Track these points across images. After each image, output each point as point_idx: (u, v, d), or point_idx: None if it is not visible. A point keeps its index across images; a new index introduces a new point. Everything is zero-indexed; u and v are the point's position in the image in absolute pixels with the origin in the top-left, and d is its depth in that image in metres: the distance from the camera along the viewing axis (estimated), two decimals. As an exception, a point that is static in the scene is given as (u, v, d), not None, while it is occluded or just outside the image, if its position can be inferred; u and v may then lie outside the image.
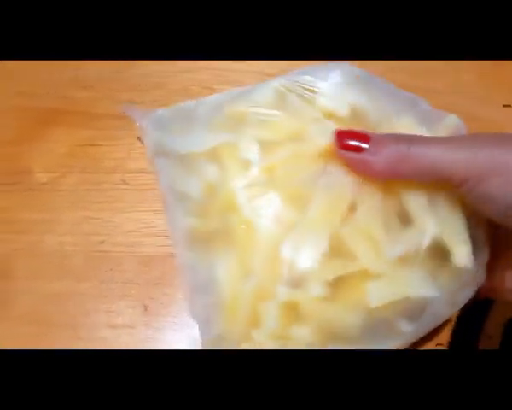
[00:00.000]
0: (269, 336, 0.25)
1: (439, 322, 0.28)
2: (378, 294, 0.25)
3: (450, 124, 0.27)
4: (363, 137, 0.24)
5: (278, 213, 0.26)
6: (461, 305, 0.27)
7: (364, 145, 0.24)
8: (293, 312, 0.25)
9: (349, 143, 0.25)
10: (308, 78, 0.28)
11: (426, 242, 0.25)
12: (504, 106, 0.40)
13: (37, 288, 0.34)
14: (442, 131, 0.27)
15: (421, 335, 0.28)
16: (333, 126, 0.26)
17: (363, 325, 0.25)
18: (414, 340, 0.28)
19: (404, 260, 0.25)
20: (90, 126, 0.38)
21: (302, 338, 0.25)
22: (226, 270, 0.27)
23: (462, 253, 0.25)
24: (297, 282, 0.25)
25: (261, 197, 0.26)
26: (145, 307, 0.33)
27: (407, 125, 0.27)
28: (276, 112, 0.28)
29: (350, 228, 0.25)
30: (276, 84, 0.29)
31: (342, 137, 0.25)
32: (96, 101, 0.38)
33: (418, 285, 0.25)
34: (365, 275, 0.25)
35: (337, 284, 0.25)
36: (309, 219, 0.25)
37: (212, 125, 0.29)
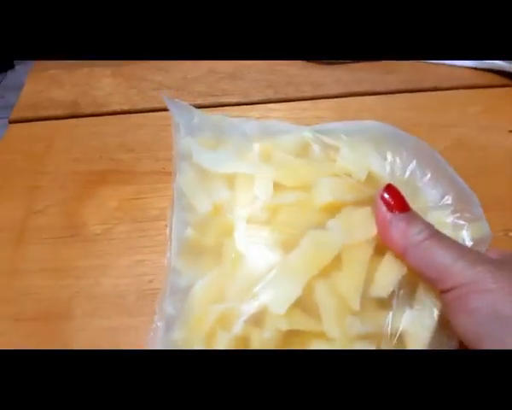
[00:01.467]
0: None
1: None
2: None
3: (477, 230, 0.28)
4: (401, 205, 0.26)
5: (267, 253, 0.27)
6: None
7: (395, 211, 0.26)
8: (243, 345, 0.26)
9: (387, 199, 0.26)
10: (335, 132, 0.30)
11: (389, 332, 0.25)
12: (510, 131, 0.43)
13: (94, 324, 0.37)
14: (468, 235, 0.27)
15: None
16: (344, 183, 0.28)
17: None
18: None
19: (362, 338, 0.25)
20: (136, 182, 0.44)
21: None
22: (204, 286, 0.28)
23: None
24: (257, 320, 0.25)
25: (257, 233, 0.27)
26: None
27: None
28: (298, 160, 0.30)
29: (326, 286, 0.25)
30: (307, 133, 0.30)
31: (389, 191, 0.26)
32: (139, 160, 0.45)
33: None
34: (319, 336, 0.25)
35: (291, 333, 0.25)
36: (288, 264, 0.26)
37: (239, 152, 0.30)
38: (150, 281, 0.39)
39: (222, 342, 0.26)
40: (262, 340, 0.25)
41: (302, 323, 0.25)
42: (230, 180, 0.30)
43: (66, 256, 0.41)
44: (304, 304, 0.25)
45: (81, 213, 0.43)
